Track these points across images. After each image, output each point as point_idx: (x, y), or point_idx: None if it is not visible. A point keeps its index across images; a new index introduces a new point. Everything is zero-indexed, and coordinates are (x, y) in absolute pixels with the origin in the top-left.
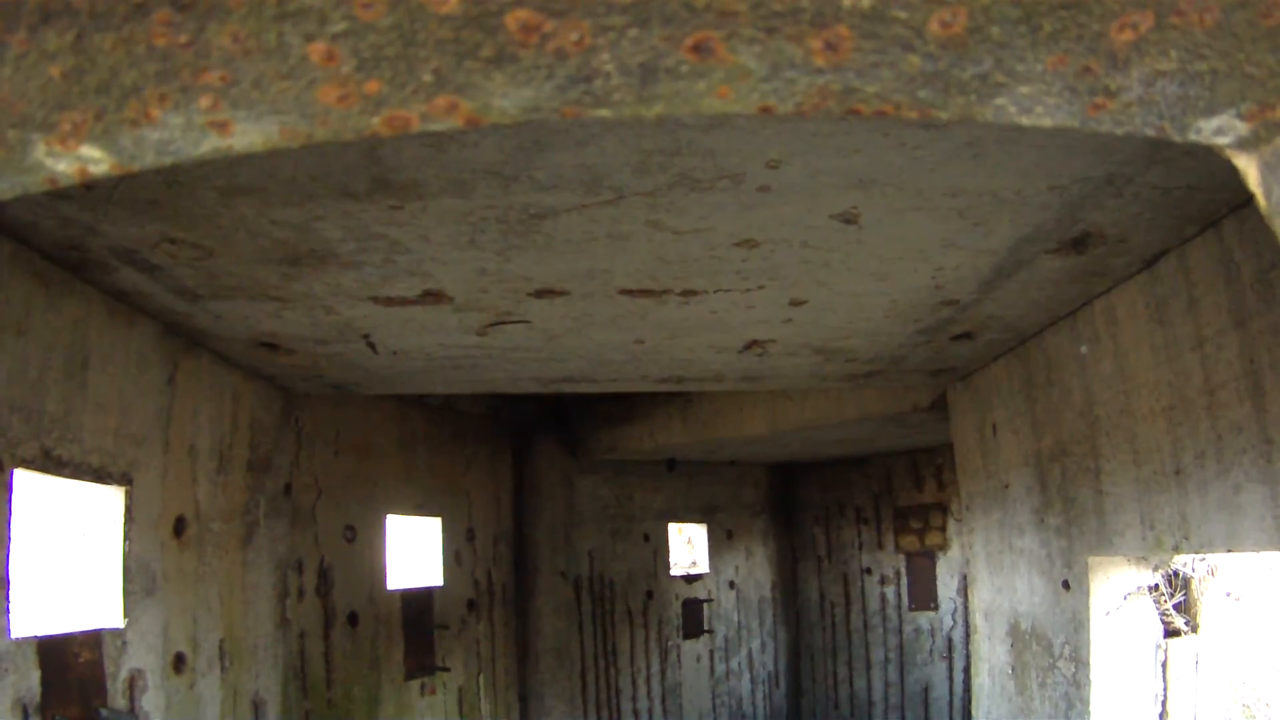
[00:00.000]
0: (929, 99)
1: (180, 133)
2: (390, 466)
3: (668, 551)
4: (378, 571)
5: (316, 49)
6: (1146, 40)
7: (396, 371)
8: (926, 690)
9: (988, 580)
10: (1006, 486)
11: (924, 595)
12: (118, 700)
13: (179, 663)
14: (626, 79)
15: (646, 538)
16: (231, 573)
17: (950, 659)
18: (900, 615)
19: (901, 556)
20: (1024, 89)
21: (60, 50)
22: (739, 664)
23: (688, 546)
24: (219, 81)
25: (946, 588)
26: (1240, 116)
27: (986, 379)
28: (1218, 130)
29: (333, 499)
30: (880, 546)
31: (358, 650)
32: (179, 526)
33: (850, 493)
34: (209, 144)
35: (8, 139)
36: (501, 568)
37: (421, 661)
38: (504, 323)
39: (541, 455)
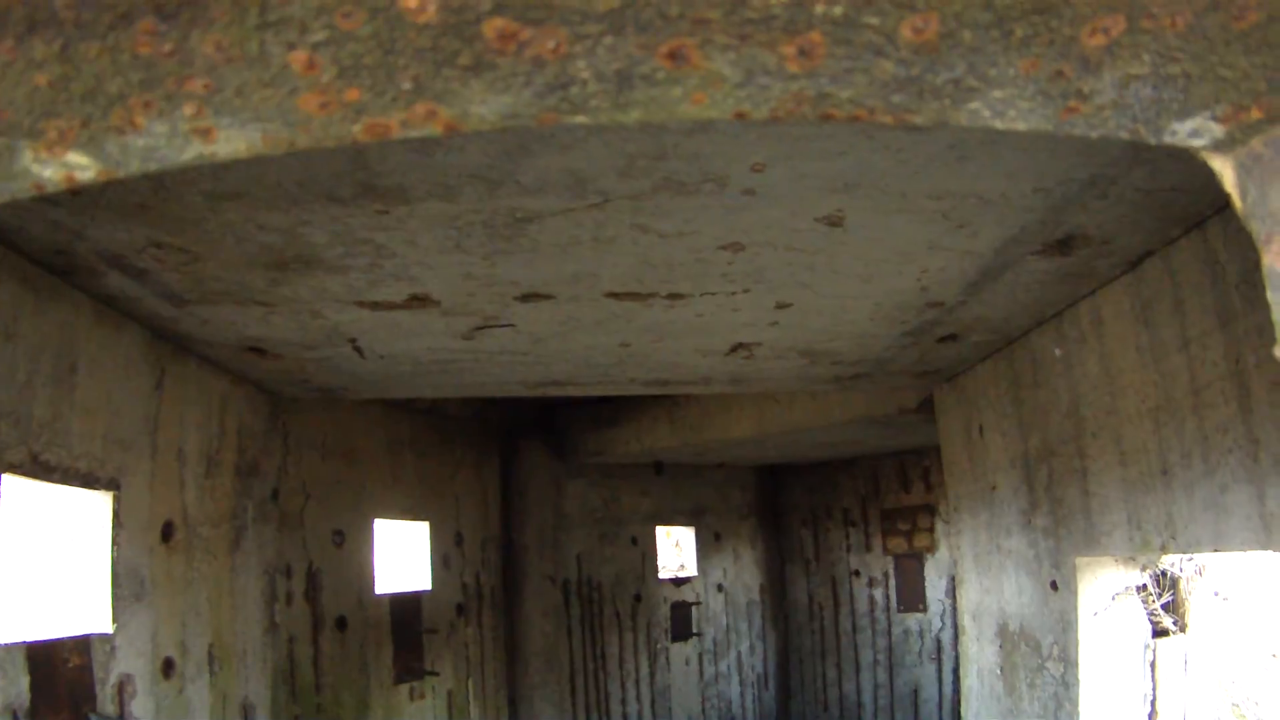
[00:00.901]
0: (903, 104)
1: (165, 140)
2: (378, 471)
3: (656, 555)
4: (366, 576)
5: (298, 57)
6: (1119, 44)
7: (383, 375)
8: (916, 692)
9: (976, 581)
10: (994, 488)
11: (912, 597)
12: (107, 705)
13: (168, 668)
14: (603, 86)
15: (634, 541)
16: (220, 578)
17: (939, 660)
18: (889, 617)
19: (889, 558)
20: (997, 93)
21: (47, 59)
22: (728, 666)
23: (676, 550)
24: (202, 89)
25: (935, 589)
26: (1215, 119)
27: (973, 380)
28: (1192, 133)
29: (320, 503)
30: (868, 548)
31: (346, 654)
32: (167, 531)
33: (838, 495)
34: (193, 151)
35: None
36: (490, 571)
37: (410, 665)
38: (490, 326)
39: (529, 459)
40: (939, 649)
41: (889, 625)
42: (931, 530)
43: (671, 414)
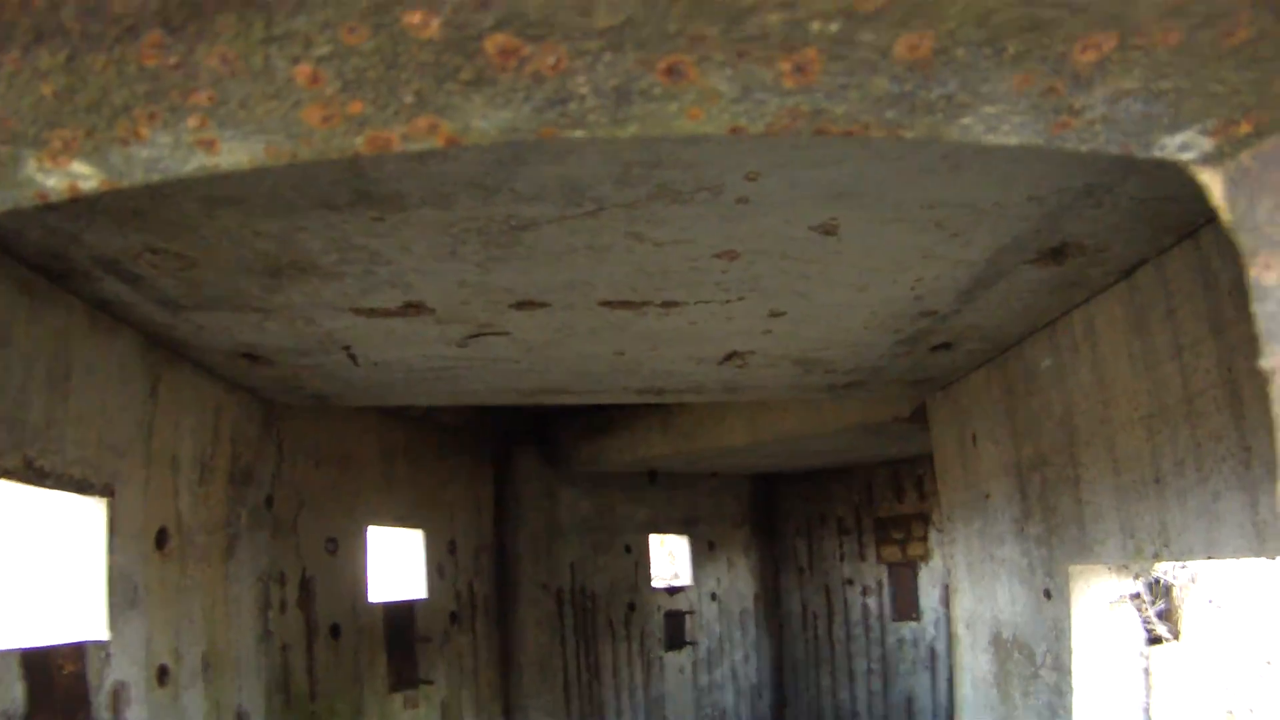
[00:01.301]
0: (895, 119)
1: (169, 151)
2: (371, 479)
3: (649, 563)
4: (360, 584)
5: (302, 71)
6: (1110, 60)
7: (377, 383)
8: (910, 701)
9: (969, 590)
10: (987, 496)
11: (906, 605)
12: (101, 713)
13: (162, 675)
14: (602, 101)
15: (628, 549)
16: (214, 585)
17: (933, 669)
18: (883, 625)
19: (883, 567)
20: (989, 108)
21: (52, 69)
22: (722, 675)
23: (669, 559)
24: (207, 101)
25: (929, 598)
26: (1205, 133)
27: (966, 389)
28: (1182, 146)
29: (314, 511)
30: (862, 557)
31: (340, 662)
32: (161, 538)
33: (832, 504)
34: (196, 162)
35: None
36: (483, 580)
37: (404, 674)
38: (485, 334)
39: (522, 467)
40: (933, 658)
41: (883, 634)
42: (925, 539)
43: (665, 422)
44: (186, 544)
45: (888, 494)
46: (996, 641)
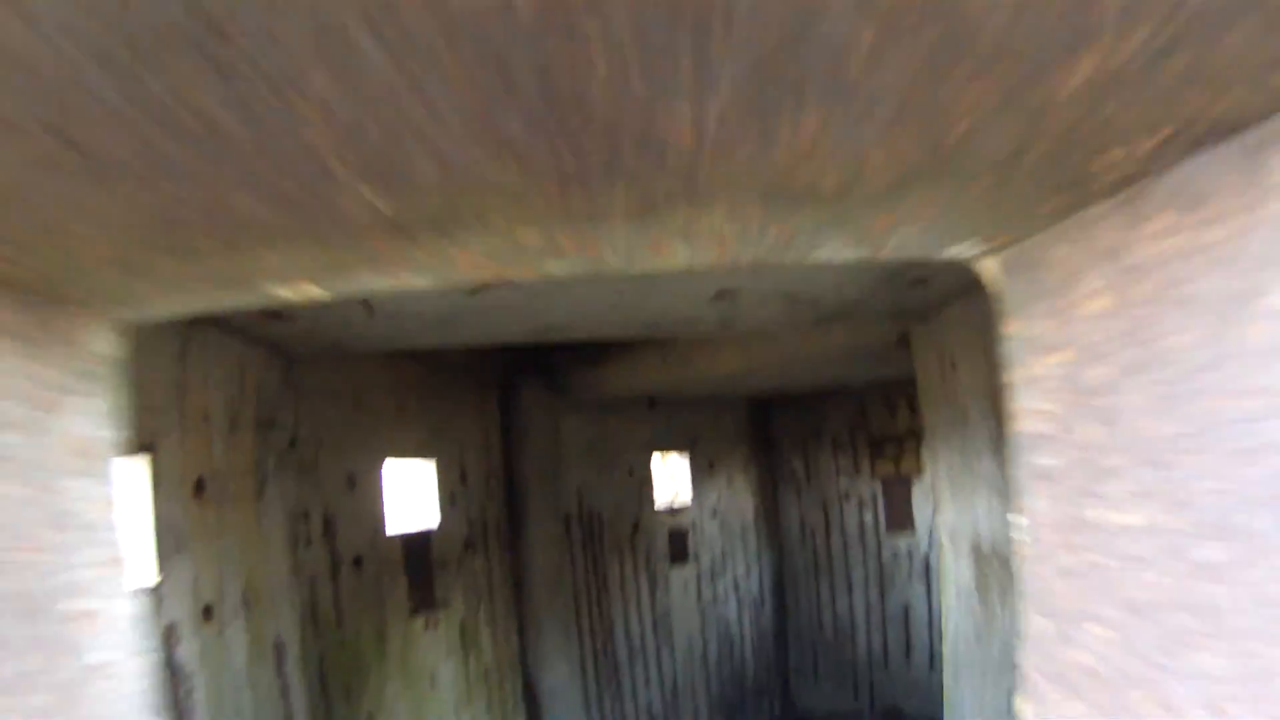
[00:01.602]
0: (774, 257)
1: (373, 280)
2: (385, 417)
3: (652, 483)
4: (378, 516)
5: (460, 254)
6: (903, 218)
7: (391, 331)
8: (907, 610)
9: (950, 502)
10: (966, 415)
11: (900, 519)
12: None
13: (207, 613)
14: (617, 259)
15: (631, 471)
16: (248, 526)
17: (928, 580)
18: (879, 538)
19: (878, 482)
20: (830, 248)
21: (309, 249)
22: (725, 589)
23: (671, 479)
24: (402, 260)
25: (922, 512)
26: (973, 244)
27: (945, 318)
28: (961, 251)
29: (333, 450)
30: (857, 472)
31: (364, 591)
32: (199, 487)
33: (827, 422)
34: (387, 285)
35: (255, 284)
36: (495, 506)
37: (424, 598)
38: (492, 284)
39: (527, 398)
40: (927, 569)
41: (879, 546)
42: (917, 455)
43: (662, 350)
44: (222, 490)
45: (881, 412)
46: (976, 552)
